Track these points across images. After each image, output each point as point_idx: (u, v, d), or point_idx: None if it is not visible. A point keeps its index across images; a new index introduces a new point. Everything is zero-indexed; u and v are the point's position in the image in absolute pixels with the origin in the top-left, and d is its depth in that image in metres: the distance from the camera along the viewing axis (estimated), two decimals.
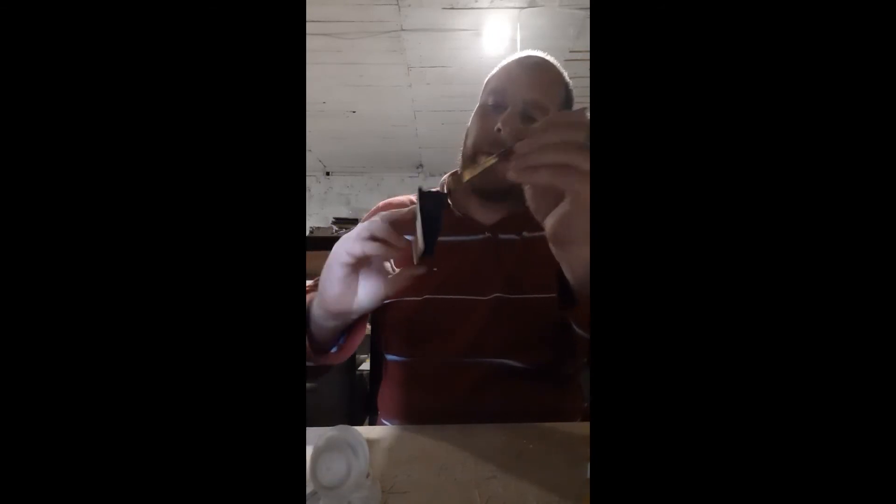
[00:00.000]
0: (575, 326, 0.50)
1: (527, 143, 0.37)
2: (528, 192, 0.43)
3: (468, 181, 0.45)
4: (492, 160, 0.41)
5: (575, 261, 0.42)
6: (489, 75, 0.66)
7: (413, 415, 0.61)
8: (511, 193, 0.62)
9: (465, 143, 0.65)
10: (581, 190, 0.37)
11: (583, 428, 0.49)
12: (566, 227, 0.39)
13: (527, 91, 0.61)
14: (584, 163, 0.35)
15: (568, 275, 0.44)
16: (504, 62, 0.66)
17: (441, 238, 0.66)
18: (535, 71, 0.62)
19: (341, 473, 0.31)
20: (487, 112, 0.62)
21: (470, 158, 0.63)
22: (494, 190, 0.63)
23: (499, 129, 0.59)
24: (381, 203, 0.74)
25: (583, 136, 0.36)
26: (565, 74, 0.66)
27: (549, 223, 0.40)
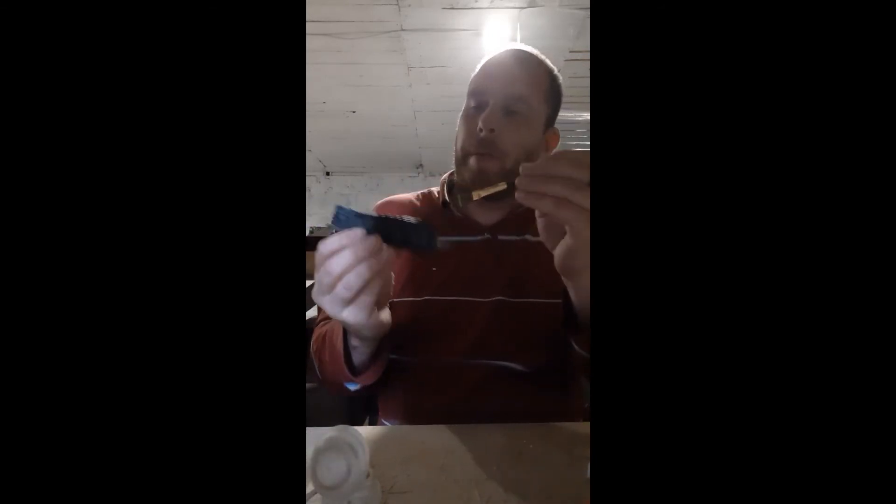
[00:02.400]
0: (577, 347, 0.52)
1: (533, 168, 0.39)
2: (539, 224, 0.45)
3: (476, 198, 0.50)
4: (501, 186, 0.46)
5: (579, 290, 0.45)
6: (472, 79, 0.66)
7: (413, 415, 0.61)
8: (505, 194, 0.62)
9: (455, 148, 0.66)
10: (580, 226, 0.38)
11: (583, 428, 0.49)
12: (569, 260, 0.42)
13: (505, 86, 0.61)
14: (584, 201, 0.37)
15: (574, 301, 0.46)
16: (482, 62, 0.65)
17: (441, 238, 0.66)
18: (511, 64, 0.62)
19: (341, 473, 0.31)
20: (470, 114, 0.63)
21: (461, 161, 0.63)
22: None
23: (481, 130, 0.59)
24: (379, 202, 0.74)
25: (585, 176, 0.37)
26: (547, 62, 0.65)
27: (556, 254, 0.43)
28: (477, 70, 0.66)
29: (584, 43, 2.50)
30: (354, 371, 0.53)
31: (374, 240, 0.41)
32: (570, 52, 2.57)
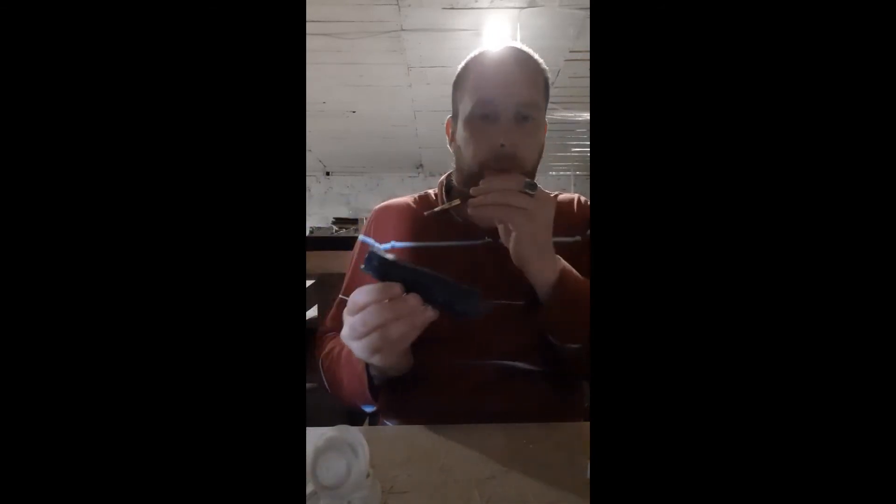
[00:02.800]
0: (552, 339, 0.57)
1: (477, 190, 0.53)
2: (500, 231, 0.55)
3: (436, 212, 0.60)
4: (457, 202, 0.58)
5: (533, 276, 0.55)
6: (463, 77, 0.63)
7: (413, 415, 0.61)
8: (464, 206, 0.62)
9: (463, 159, 0.62)
10: (520, 221, 0.51)
11: (583, 428, 0.49)
12: (518, 250, 0.53)
13: (515, 93, 0.59)
14: (520, 202, 0.51)
15: (535, 287, 0.56)
16: (475, 63, 0.63)
17: (442, 243, 0.65)
18: (515, 69, 0.61)
19: (341, 473, 0.31)
20: (479, 125, 0.60)
21: (475, 175, 0.60)
22: None
23: (502, 145, 0.58)
24: (378, 207, 0.72)
25: (516, 185, 0.51)
26: (536, 56, 0.63)
27: (509, 249, 0.54)
28: (468, 72, 0.63)
29: (584, 43, 2.50)
30: (375, 395, 0.55)
31: (413, 300, 0.42)
32: (570, 52, 2.57)
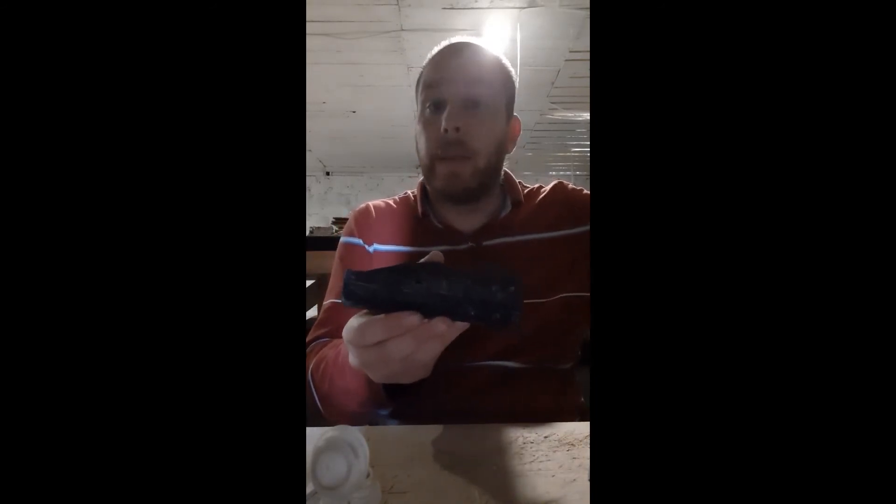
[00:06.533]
0: None
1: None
2: None
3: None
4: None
5: None
6: (421, 76, 0.63)
7: (413, 415, 0.62)
8: (482, 195, 0.62)
9: (419, 156, 0.63)
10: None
11: (582, 428, 0.49)
12: None
13: (461, 78, 0.59)
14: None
15: None
16: (431, 59, 0.63)
17: (424, 248, 0.65)
18: (460, 55, 0.60)
19: (341, 473, 0.31)
20: (429, 116, 0.60)
21: (428, 169, 0.61)
22: (464, 193, 0.62)
23: (446, 130, 0.57)
24: (357, 209, 0.71)
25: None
26: (489, 50, 0.63)
27: None
28: (424, 70, 0.63)
29: (584, 43, 2.50)
30: (391, 395, 0.48)
31: (441, 325, 0.33)
32: (570, 52, 2.58)
